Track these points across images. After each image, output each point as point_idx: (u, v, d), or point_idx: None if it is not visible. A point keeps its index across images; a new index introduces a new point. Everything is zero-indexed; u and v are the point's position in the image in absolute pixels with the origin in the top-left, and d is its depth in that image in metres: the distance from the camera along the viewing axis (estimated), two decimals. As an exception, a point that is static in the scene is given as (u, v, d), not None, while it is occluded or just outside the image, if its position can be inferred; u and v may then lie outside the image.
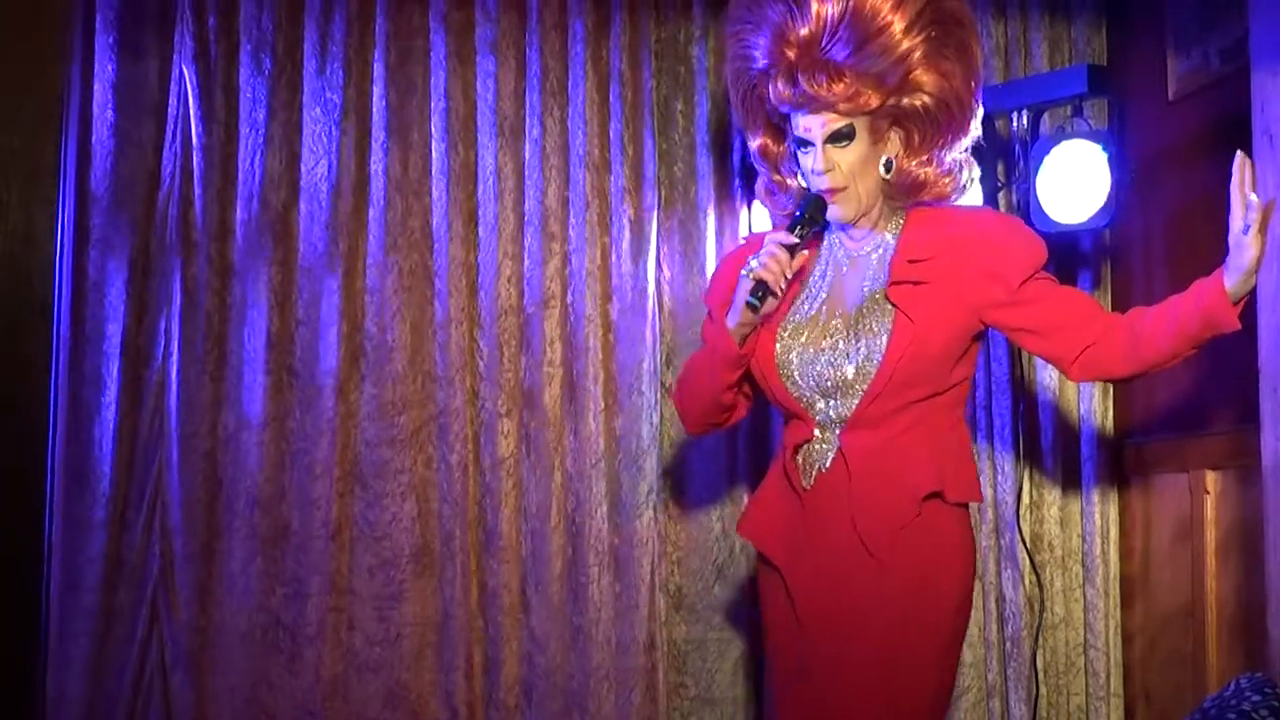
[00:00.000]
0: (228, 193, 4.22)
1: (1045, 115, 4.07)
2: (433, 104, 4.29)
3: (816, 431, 3.22)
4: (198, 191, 4.19)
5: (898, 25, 3.17)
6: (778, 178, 3.38)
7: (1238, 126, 3.59)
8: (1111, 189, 3.79)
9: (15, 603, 3.97)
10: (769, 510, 3.30)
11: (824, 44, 3.17)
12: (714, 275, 3.54)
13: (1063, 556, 4.27)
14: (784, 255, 3.15)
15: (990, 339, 4.27)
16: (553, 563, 4.24)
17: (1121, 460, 4.24)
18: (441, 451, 4.21)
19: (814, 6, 3.17)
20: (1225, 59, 3.75)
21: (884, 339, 3.15)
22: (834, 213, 3.24)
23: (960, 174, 3.33)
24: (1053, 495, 4.28)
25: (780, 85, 3.18)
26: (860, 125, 3.20)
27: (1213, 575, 3.81)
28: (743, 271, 3.16)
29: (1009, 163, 4.15)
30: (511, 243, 4.30)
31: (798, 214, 3.19)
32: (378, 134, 4.27)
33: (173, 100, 4.20)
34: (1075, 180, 3.84)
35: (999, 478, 4.25)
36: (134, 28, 4.20)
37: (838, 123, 3.18)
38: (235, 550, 4.13)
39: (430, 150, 4.29)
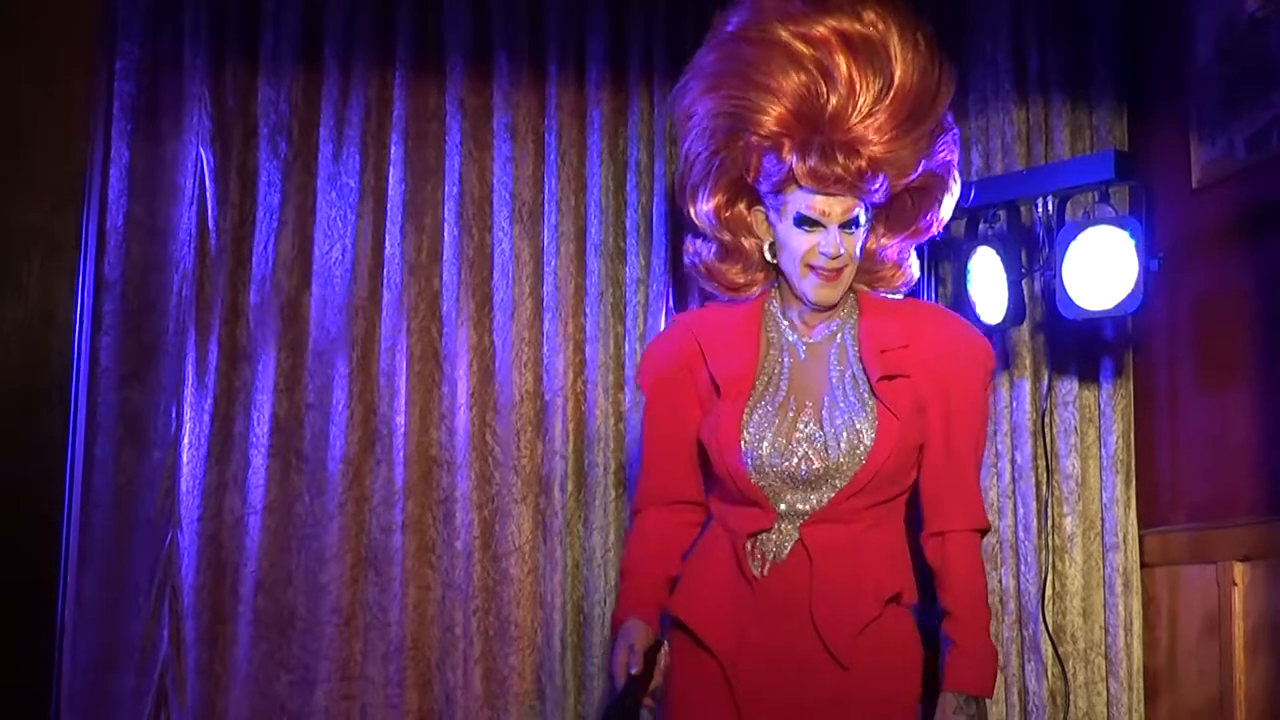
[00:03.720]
0: (241, 276, 4.20)
1: (1068, 202, 4.05)
2: (448, 188, 4.28)
3: (776, 522, 3.08)
4: (211, 274, 4.17)
5: (930, 121, 3.15)
6: (728, 238, 3.23)
7: (1266, 215, 3.58)
8: (1139, 275, 3.77)
9: (26, 685, 3.90)
10: (712, 596, 3.10)
11: (853, 124, 3.09)
12: (654, 364, 3.30)
13: (1085, 649, 4.20)
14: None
15: (1015, 426, 4.24)
16: (563, 650, 4.18)
17: (1145, 551, 4.18)
18: (451, 537, 4.16)
19: (845, 78, 3.09)
20: (1252, 147, 3.73)
21: (869, 434, 3.04)
22: (820, 295, 3.12)
23: (912, 268, 3.31)
24: (1075, 585, 4.22)
25: (811, 161, 3.04)
26: (868, 214, 3.15)
27: (1242, 670, 3.75)
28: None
29: (1032, 249, 4.13)
30: (528, 329, 4.27)
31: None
32: (393, 217, 4.24)
33: (189, 183, 4.19)
34: (1102, 266, 3.81)
35: (1022, 567, 4.19)
36: (150, 112, 4.19)
37: (858, 209, 3.09)
38: (240, 636, 4.07)
39: (445, 234, 4.27)
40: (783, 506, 3.06)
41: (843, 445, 3.04)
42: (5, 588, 3.84)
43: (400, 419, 4.18)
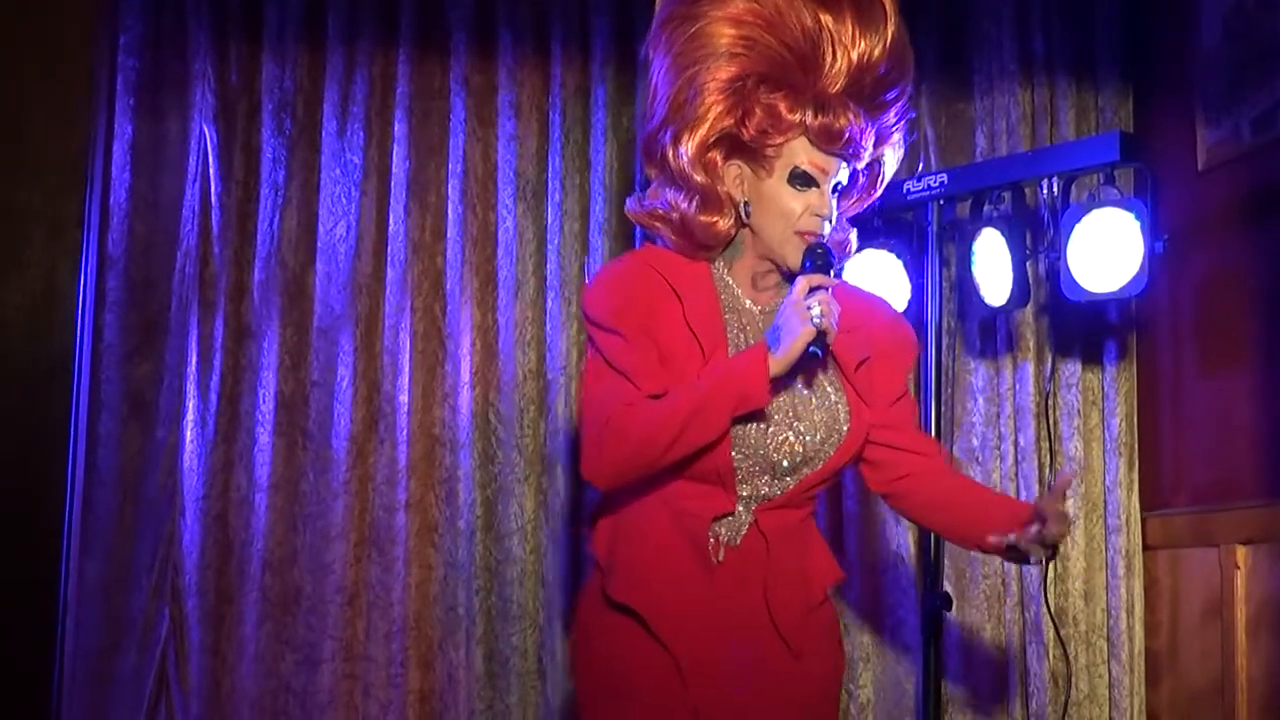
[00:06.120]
0: (245, 253, 4.20)
1: (1073, 184, 4.04)
2: (452, 165, 4.27)
3: (739, 506, 2.86)
4: (215, 251, 4.17)
5: (907, 89, 2.99)
6: (705, 181, 2.91)
7: (1272, 198, 3.56)
8: (1144, 258, 3.75)
9: (27, 663, 3.91)
10: (665, 584, 2.84)
11: (853, 80, 2.91)
12: (623, 293, 2.90)
13: (1086, 631, 4.20)
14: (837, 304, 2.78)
15: (1018, 408, 4.23)
16: (565, 630, 4.17)
17: (1147, 533, 4.18)
18: (454, 516, 4.16)
19: (849, 31, 2.89)
20: (1258, 129, 3.72)
21: (845, 422, 2.89)
22: (794, 264, 2.90)
23: (852, 243, 3.10)
24: (1077, 568, 4.21)
25: (826, 115, 2.86)
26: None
27: (1243, 653, 3.75)
28: (813, 320, 2.70)
29: (1036, 231, 4.11)
30: (531, 307, 4.26)
31: (818, 262, 2.82)
32: (398, 195, 4.24)
33: (192, 159, 4.19)
34: (1107, 249, 3.80)
35: (1024, 549, 4.18)
36: (155, 89, 4.19)
37: (845, 172, 2.93)
38: (246, 615, 4.07)
39: (449, 212, 4.26)
40: (746, 490, 2.86)
41: (820, 432, 2.88)
42: (8, 566, 3.84)
43: (404, 397, 4.18)
